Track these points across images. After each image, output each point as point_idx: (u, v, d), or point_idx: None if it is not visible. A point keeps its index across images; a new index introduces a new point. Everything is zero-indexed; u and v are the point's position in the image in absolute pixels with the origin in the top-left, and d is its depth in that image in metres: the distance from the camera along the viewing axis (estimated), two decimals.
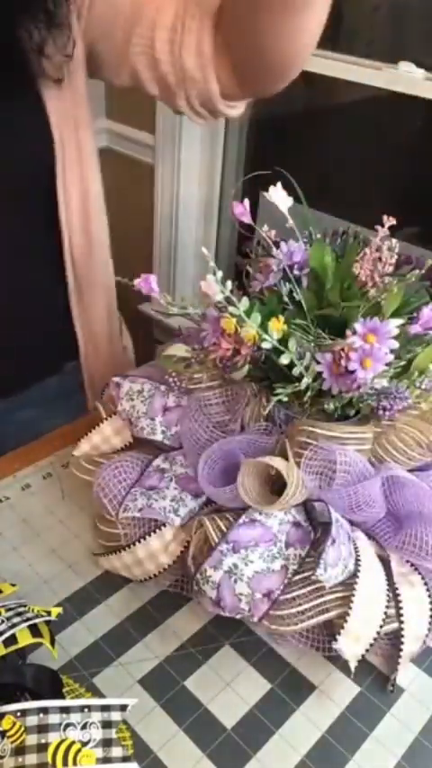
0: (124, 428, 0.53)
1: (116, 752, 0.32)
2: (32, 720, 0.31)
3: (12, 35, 0.55)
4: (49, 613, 0.41)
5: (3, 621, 0.38)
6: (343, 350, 0.40)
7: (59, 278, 0.64)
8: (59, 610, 0.42)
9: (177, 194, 1.52)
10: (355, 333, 0.40)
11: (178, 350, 0.54)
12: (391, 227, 0.44)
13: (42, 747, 0.31)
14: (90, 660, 0.44)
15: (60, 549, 0.51)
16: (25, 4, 0.55)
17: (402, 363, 0.44)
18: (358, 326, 0.40)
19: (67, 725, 0.32)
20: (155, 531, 0.46)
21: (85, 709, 0.32)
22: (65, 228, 0.62)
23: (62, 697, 0.37)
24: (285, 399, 0.43)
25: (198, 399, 0.50)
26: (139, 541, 0.46)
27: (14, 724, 0.31)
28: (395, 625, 0.42)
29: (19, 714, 0.31)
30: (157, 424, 0.51)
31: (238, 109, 0.63)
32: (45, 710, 0.32)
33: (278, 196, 0.47)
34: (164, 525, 0.46)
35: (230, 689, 0.43)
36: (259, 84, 0.59)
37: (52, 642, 0.40)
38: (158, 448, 0.52)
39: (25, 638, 0.38)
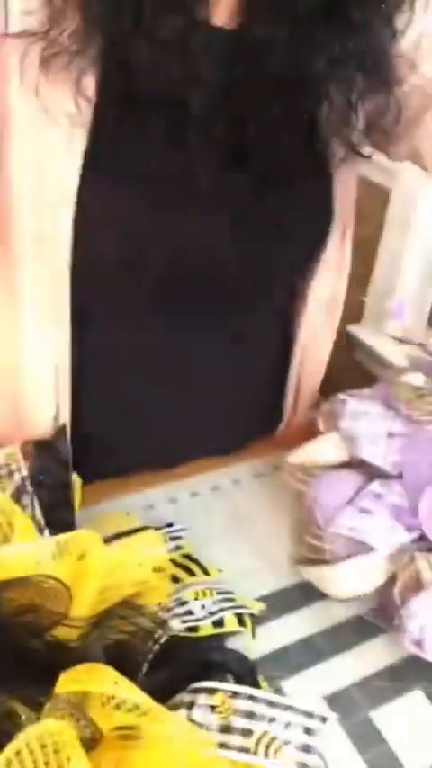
0: (342, 445, 0.54)
1: (312, 761, 0.32)
2: (242, 704, 0.33)
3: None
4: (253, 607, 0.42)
5: (214, 603, 0.41)
6: None
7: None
8: (263, 606, 0.43)
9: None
10: None
11: (411, 378, 0.54)
12: None
13: (247, 733, 0.32)
14: (276, 664, 0.44)
15: (261, 547, 0.53)
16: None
17: None
18: None
19: (272, 719, 0.33)
20: (361, 555, 0.46)
21: (289, 710, 0.33)
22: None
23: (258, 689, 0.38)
24: None
25: (428, 433, 0.49)
26: (344, 561, 0.46)
27: (224, 702, 0.33)
28: None
29: (231, 695, 0.33)
30: (379, 449, 0.51)
31: None
32: (254, 698, 0.33)
33: None
34: (372, 550, 0.46)
35: (418, 734, 0.41)
36: None
37: (253, 636, 0.41)
38: (375, 472, 0.51)
39: (232, 625, 0.40)
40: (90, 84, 0.50)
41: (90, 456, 0.56)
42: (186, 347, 0.63)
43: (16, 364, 0.59)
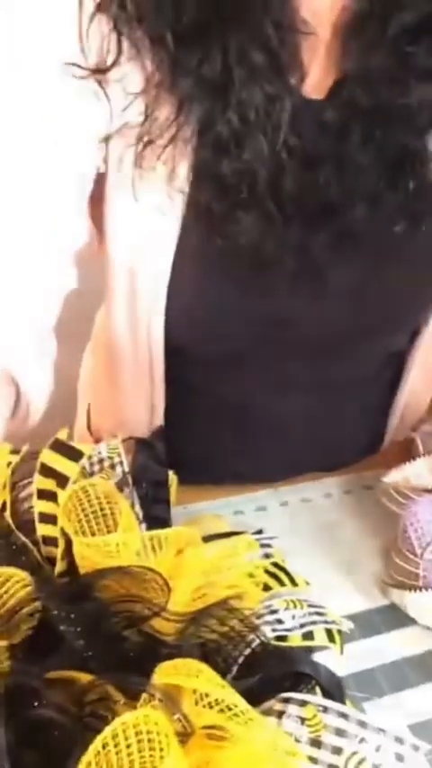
0: None
1: None
2: (333, 721, 0.32)
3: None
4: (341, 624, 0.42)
5: (305, 615, 0.40)
6: None
7: None
8: (351, 624, 0.42)
9: None
10: None
11: None
12: None
13: (337, 750, 0.32)
14: (360, 685, 0.43)
15: (349, 564, 0.52)
16: None
17: None
18: None
19: (363, 740, 0.32)
20: None
21: (381, 733, 0.32)
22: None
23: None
24: None
25: None
26: None
27: (315, 716, 0.32)
28: None
29: (321, 709, 0.32)
30: None
31: None
32: (345, 716, 0.32)
33: None
34: None
35: None
36: None
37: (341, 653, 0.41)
38: None
39: (321, 639, 0.40)
40: (182, 174, 0.50)
41: (183, 466, 0.57)
42: (287, 390, 0.63)
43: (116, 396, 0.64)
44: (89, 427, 0.76)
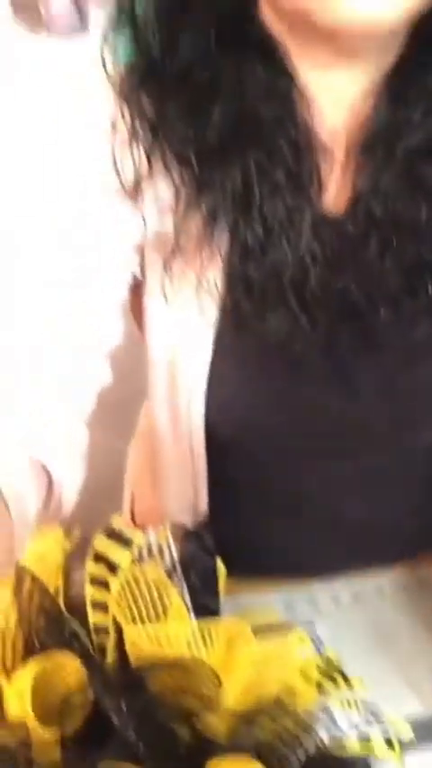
0: None
1: None
2: None
3: None
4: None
5: (361, 718, 0.38)
6: None
7: None
8: (410, 732, 0.40)
9: None
10: None
11: None
12: None
13: None
14: None
15: (406, 667, 0.50)
16: None
17: None
18: None
19: None
20: None
21: None
22: None
23: None
24: None
25: None
26: None
27: None
28: None
29: None
30: None
31: None
32: None
33: None
34: None
35: None
36: None
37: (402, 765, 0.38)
38: None
39: (380, 746, 0.38)
40: (213, 278, 0.54)
41: (232, 557, 0.57)
42: (333, 483, 0.63)
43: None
44: (132, 518, 0.77)
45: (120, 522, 0.49)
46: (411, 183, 0.51)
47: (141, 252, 0.56)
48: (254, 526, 0.66)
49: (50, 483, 0.52)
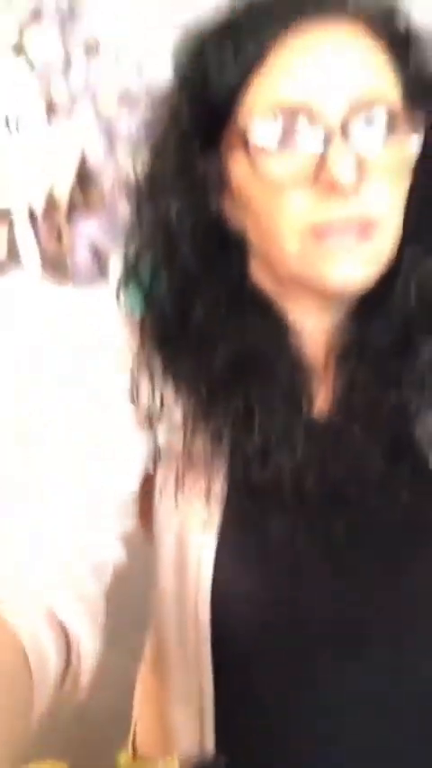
0: None
1: None
2: None
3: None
4: None
5: None
6: None
7: None
8: None
9: None
10: None
11: None
12: None
13: None
14: None
15: None
16: None
17: None
18: None
19: None
20: None
21: None
22: None
23: None
24: None
25: None
26: None
27: None
28: None
29: None
30: None
31: None
32: None
33: None
34: None
35: None
36: None
37: None
38: None
39: None
40: (218, 485, 0.61)
41: None
42: (349, 703, 0.62)
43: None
44: (134, 745, 0.72)
45: (126, 759, 0.47)
46: (381, 376, 0.61)
47: (153, 465, 0.62)
48: (267, 756, 0.62)
49: (69, 643, 0.51)
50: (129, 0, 1.92)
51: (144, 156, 0.65)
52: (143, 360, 0.61)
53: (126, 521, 0.59)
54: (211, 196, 0.61)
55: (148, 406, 0.59)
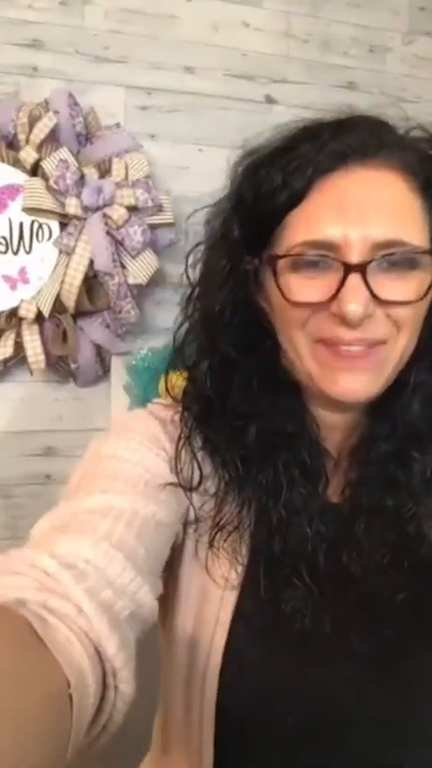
0: None
1: None
2: None
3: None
4: None
5: None
6: None
7: None
8: None
9: None
10: None
11: None
12: None
13: None
14: None
15: None
16: None
17: None
18: None
19: None
20: None
21: None
22: None
23: None
24: None
25: None
26: None
27: None
28: None
29: None
30: None
31: None
32: None
33: None
34: None
35: None
36: None
37: None
38: None
39: None
40: (244, 551, 0.67)
41: None
42: None
43: None
44: None
45: None
46: (384, 478, 0.67)
47: (183, 530, 0.67)
48: None
49: (107, 685, 0.50)
50: (136, 127, 2.09)
51: (193, 259, 0.75)
52: (185, 435, 0.68)
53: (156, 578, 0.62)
54: (250, 295, 0.70)
55: (188, 476, 0.65)
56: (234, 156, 0.71)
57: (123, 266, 1.94)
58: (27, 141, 1.84)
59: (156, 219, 1.98)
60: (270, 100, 2.15)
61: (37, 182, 1.84)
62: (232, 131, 2.08)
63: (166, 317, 2.05)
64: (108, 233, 1.87)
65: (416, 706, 0.60)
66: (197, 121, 2.11)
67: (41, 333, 1.94)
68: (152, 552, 0.60)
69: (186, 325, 0.75)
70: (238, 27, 2.12)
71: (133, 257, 1.96)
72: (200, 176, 2.05)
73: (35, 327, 1.92)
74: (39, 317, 1.93)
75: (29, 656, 0.43)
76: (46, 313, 1.91)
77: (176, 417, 0.72)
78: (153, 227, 1.98)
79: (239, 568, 0.67)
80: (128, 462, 0.66)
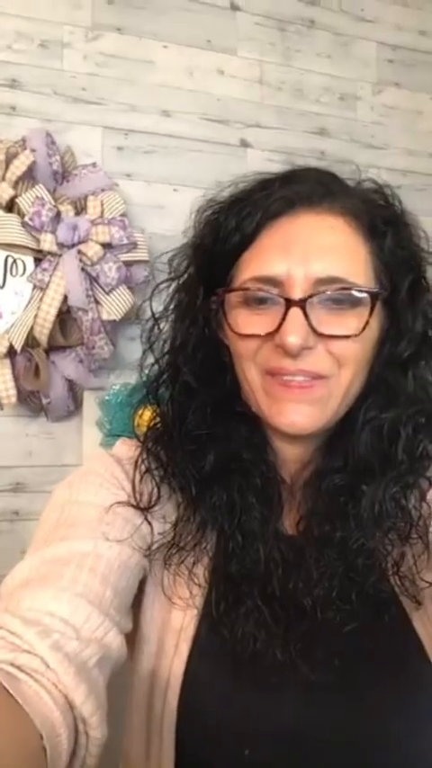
0: None
1: None
2: None
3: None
4: None
5: None
6: None
7: None
8: None
9: None
10: None
11: None
12: None
13: None
14: None
15: None
16: None
17: None
18: None
19: None
20: None
21: None
22: None
23: None
24: None
25: None
26: None
27: None
28: None
29: None
30: None
31: None
32: None
33: None
34: None
35: None
36: None
37: None
38: None
39: None
40: (204, 573, 0.69)
41: None
42: None
43: None
44: None
45: None
46: (335, 511, 0.70)
47: (149, 558, 0.69)
48: None
49: (78, 731, 0.52)
50: (111, 166, 2.12)
51: (157, 295, 0.80)
52: (145, 459, 0.71)
53: (125, 618, 0.64)
54: (212, 331, 0.74)
55: (146, 499, 0.67)
56: (199, 202, 0.75)
57: (97, 302, 1.95)
58: (3, 178, 1.87)
59: (131, 257, 2.00)
60: (245, 143, 2.21)
61: (12, 217, 1.85)
62: (207, 173, 2.14)
63: (140, 353, 2.06)
64: (83, 269, 1.88)
65: (371, 735, 0.61)
66: (173, 163, 2.16)
67: (13, 367, 1.93)
68: (119, 592, 0.61)
69: (152, 360, 0.80)
70: (213, 74, 2.19)
71: (107, 293, 1.97)
72: (174, 215, 2.09)
73: (7, 362, 1.91)
74: (11, 351, 1.92)
75: (2, 712, 0.46)
76: (18, 347, 1.90)
77: (136, 453, 0.75)
78: (128, 264, 2.00)
79: (196, 590, 0.69)
80: (89, 506, 0.67)
